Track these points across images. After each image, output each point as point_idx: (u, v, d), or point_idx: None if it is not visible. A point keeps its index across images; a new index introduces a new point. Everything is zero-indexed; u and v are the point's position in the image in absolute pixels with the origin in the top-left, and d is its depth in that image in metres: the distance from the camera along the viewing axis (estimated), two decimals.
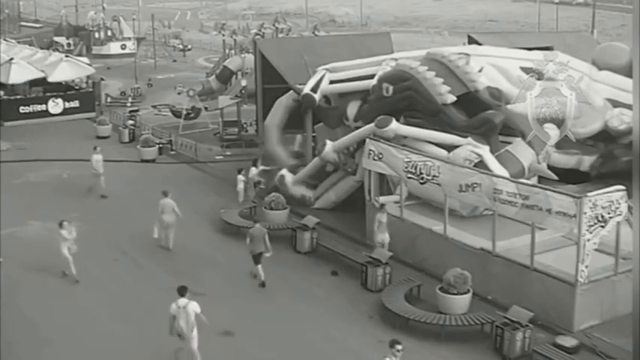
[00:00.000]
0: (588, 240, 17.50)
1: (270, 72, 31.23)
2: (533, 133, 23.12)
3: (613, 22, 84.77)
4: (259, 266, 20.69)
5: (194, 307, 15.85)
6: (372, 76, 25.24)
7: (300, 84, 28.02)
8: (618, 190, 17.87)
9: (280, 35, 61.65)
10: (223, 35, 60.09)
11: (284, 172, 27.01)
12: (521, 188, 18.82)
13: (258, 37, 54.66)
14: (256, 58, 33.69)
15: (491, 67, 24.17)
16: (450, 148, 22.58)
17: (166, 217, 22.85)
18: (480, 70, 23.87)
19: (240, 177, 26.83)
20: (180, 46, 71.22)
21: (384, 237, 21.63)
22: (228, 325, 18.41)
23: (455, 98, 23.02)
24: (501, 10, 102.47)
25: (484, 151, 22.09)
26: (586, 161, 24.01)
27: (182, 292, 15.99)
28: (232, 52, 52.70)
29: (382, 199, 23.41)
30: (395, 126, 23.10)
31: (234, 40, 57.17)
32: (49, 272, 21.38)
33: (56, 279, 20.97)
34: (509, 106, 23.30)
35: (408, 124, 23.82)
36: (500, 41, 31.33)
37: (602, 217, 17.56)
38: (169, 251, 22.98)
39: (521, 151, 22.84)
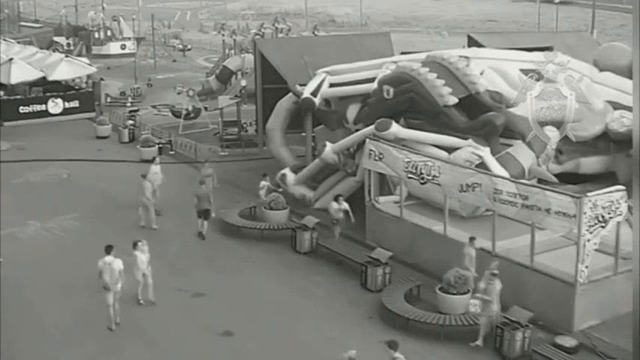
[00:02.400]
0: (588, 240, 17.48)
1: (269, 72, 31.26)
2: (533, 134, 23.08)
3: (613, 22, 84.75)
4: (205, 222, 23.74)
5: (118, 264, 17.99)
6: (372, 80, 25.14)
7: (300, 84, 27.98)
8: (618, 190, 17.88)
9: (280, 35, 61.48)
10: (223, 35, 59.88)
11: (286, 171, 27.02)
12: (521, 188, 18.82)
13: (258, 37, 54.59)
14: (256, 58, 33.74)
15: (492, 71, 24.12)
16: (450, 149, 22.56)
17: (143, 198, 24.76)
18: (481, 74, 23.82)
19: (264, 182, 25.61)
20: (180, 46, 71.15)
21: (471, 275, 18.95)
22: (228, 325, 18.42)
23: (457, 100, 22.97)
24: (501, 10, 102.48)
25: (485, 152, 22.08)
26: (584, 164, 23.99)
27: (108, 250, 18.10)
28: (232, 52, 52.63)
29: (382, 199, 23.41)
30: (395, 129, 23.04)
31: (234, 40, 57.03)
32: (48, 272, 21.40)
33: (56, 278, 20.96)
34: (510, 109, 23.23)
35: (408, 126, 23.81)
36: (500, 41, 31.31)
37: (602, 217, 17.55)
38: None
39: (521, 153, 22.79)
